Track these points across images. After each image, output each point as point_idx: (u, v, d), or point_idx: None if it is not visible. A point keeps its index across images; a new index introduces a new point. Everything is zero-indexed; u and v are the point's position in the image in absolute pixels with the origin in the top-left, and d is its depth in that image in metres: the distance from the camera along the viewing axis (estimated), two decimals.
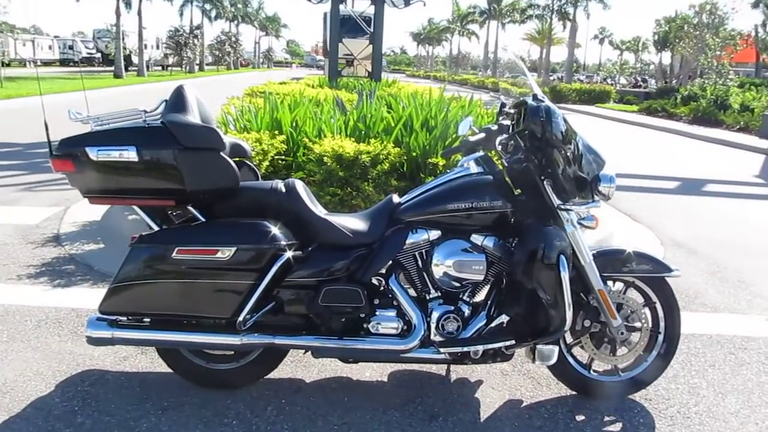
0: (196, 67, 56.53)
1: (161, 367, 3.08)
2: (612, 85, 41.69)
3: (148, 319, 2.82)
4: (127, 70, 41.39)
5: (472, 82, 51.40)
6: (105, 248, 5.11)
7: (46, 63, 53.77)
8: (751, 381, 3.39)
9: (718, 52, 27.95)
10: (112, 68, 38.94)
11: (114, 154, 2.59)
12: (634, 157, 12.40)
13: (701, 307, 4.43)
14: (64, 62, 56.17)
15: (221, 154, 2.68)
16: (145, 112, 2.74)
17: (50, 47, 56.84)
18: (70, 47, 58.25)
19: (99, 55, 57.67)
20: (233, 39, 68.06)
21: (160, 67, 57.35)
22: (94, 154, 2.59)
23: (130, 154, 2.59)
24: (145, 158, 2.60)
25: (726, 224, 7.25)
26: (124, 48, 41.50)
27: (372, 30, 15.43)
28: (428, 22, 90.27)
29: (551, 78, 49.97)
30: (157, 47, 57.89)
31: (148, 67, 47.22)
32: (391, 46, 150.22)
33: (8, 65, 37.67)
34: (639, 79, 54.15)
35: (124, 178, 2.65)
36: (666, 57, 56.39)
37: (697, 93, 23.29)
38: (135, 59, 45.04)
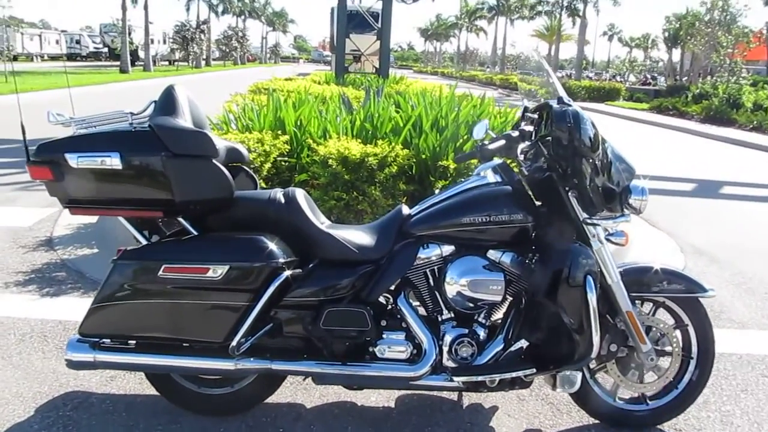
0: (203, 62, 56.26)
1: (150, 389, 2.84)
2: (621, 82, 41.29)
3: (134, 342, 2.57)
4: (133, 65, 41.18)
5: (480, 78, 51.07)
6: (99, 253, 4.88)
7: (53, 57, 53.61)
8: None
9: (730, 50, 27.51)
10: (119, 63, 38.75)
11: (96, 161, 2.35)
12: (647, 158, 12.08)
13: (728, 323, 4.17)
14: (71, 57, 56.07)
15: (214, 161, 2.43)
16: (132, 114, 2.50)
17: (57, 42, 56.70)
18: (77, 42, 58.20)
19: (106, 49, 57.56)
20: (240, 34, 67.90)
21: (166, 62, 57.26)
22: (74, 160, 2.35)
23: (114, 161, 2.35)
24: (130, 166, 2.36)
25: (746, 229, 6.97)
26: (131, 43, 41.28)
27: (380, 25, 15.15)
28: (436, 17, 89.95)
29: (560, 75, 49.52)
30: (164, 42, 57.79)
31: (154, 62, 47.04)
32: (399, 41, 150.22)
33: (15, 59, 37.53)
34: (648, 76, 53.65)
35: (108, 187, 2.40)
36: (675, 54, 55.83)
37: (709, 91, 22.90)
38: (142, 54, 44.81)
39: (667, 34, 53.96)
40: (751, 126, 18.25)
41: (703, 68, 34.00)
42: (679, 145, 15.08)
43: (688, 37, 35.20)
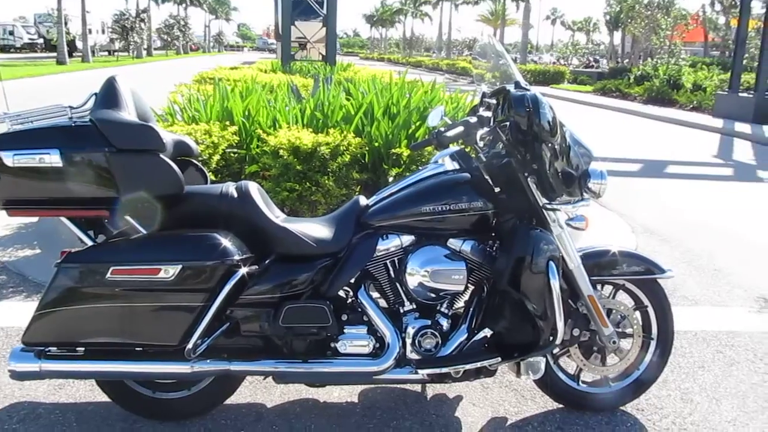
0: (144, 52, 54.76)
1: (102, 396, 2.70)
2: (566, 65, 41.93)
3: (83, 348, 2.44)
4: (71, 56, 39.87)
5: (426, 64, 51.19)
6: (41, 254, 4.67)
7: None
8: (743, 383, 3.19)
9: (669, 32, 28.18)
10: (56, 54, 37.41)
11: (34, 159, 2.21)
12: (593, 139, 12.23)
13: (682, 301, 4.24)
14: (4, 49, 53.88)
15: (161, 156, 2.30)
16: (71, 108, 2.36)
17: None
18: (11, 33, 55.75)
19: (41, 40, 55.47)
20: (182, 22, 66.44)
21: (106, 53, 55.59)
22: (9, 158, 2.20)
23: (53, 158, 2.20)
24: (71, 162, 2.22)
25: (692, 207, 7.14)
26: (68, 33, 39.95)
27: (325, 12, 15.01)
28: (381, 4, 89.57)
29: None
30: (103, 32, 56.06)
31: (93, 52, 45.56)
32: (344, 28, 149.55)
33: None
34: (591, 59, 54.61)
35: (48, 186, 2.26)
36: (617, 37, 56.96)
37: (650, 73, 23.42)
38: (80, 44, 43.35)
39: (608, 17, 55.06)
40: (692, 106, 18.71)
41: (644, 50, 34.78)
42: (624, 126, 15.39)
43: (629, 20, 35.90)
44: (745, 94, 16.64)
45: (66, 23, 39.01)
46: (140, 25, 50.90)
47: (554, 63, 47.27)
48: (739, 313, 4.13)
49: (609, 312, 2.77)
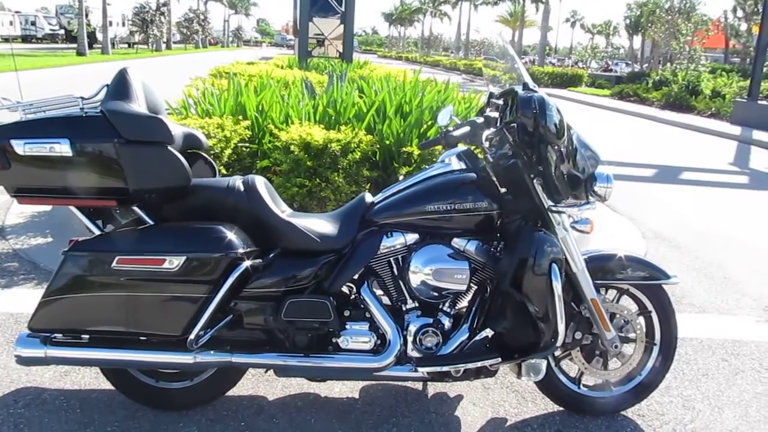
0: (163, 45, 55.14)
1: (106, 384, 2.74)
2: (583, 68, 41.72)
3: (87, 336, 2.47)
4: (91, 47, 40.25)
5: (444, 63, 51.17)
6: (53, 242, 4.72)
7: (6, 39, 51.96)
8: (747, 392, 3.17)
9: (689, 37, 27.95)
10: (76, 45, 37.75)
11: (44, 148, 2.24)
12: (608, 143, 12.19)
13: (689, 308, 4.22)
14: (26, 39, 54.47)
15: (169, 148, 2.33)
16: (83, 98, 2.38)
17: (11, 23, 54.91)
18: (32, 23, 56.50)
19: (62, 31, 56.09)
20: (201, 17, 66.76)
21: (125, 45, 56.00)
22: (20, 147, 2.24)
23: (63, 148, 2.24)
24: (80, 152, 2.25)
25: (705, 214, 7.09)
26: (88, 24, 40.32)
27: (343, 9, 15.00)
28: (400, 2, 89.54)
29: (524, 61, 49.82)
30: (123, 24, 56.51)
31: (113, 44, 46.00)
32: (363, 26, 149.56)
33: None
34: (610, 63, 54.28)
35: (57, 175, 2.29)
36: (636, 41, 56.65)
37: (669, 78, 23.24)
38: (100, 36, 43.74)
39: (628, 21, 54.72)
40: (710, 112, 18.55)
41: (663, 55, 34.53)
42: (640, 131, 15.29)
43: (649, 25, 35.65)
44: (764, 102, 16.50)
45: (87, 15, 39.40)
46: (160, 19, 51.25)
47: (572, 66, 47.06)
48: (746, 322, 4.10)
49: (612, 316, 2.77)
